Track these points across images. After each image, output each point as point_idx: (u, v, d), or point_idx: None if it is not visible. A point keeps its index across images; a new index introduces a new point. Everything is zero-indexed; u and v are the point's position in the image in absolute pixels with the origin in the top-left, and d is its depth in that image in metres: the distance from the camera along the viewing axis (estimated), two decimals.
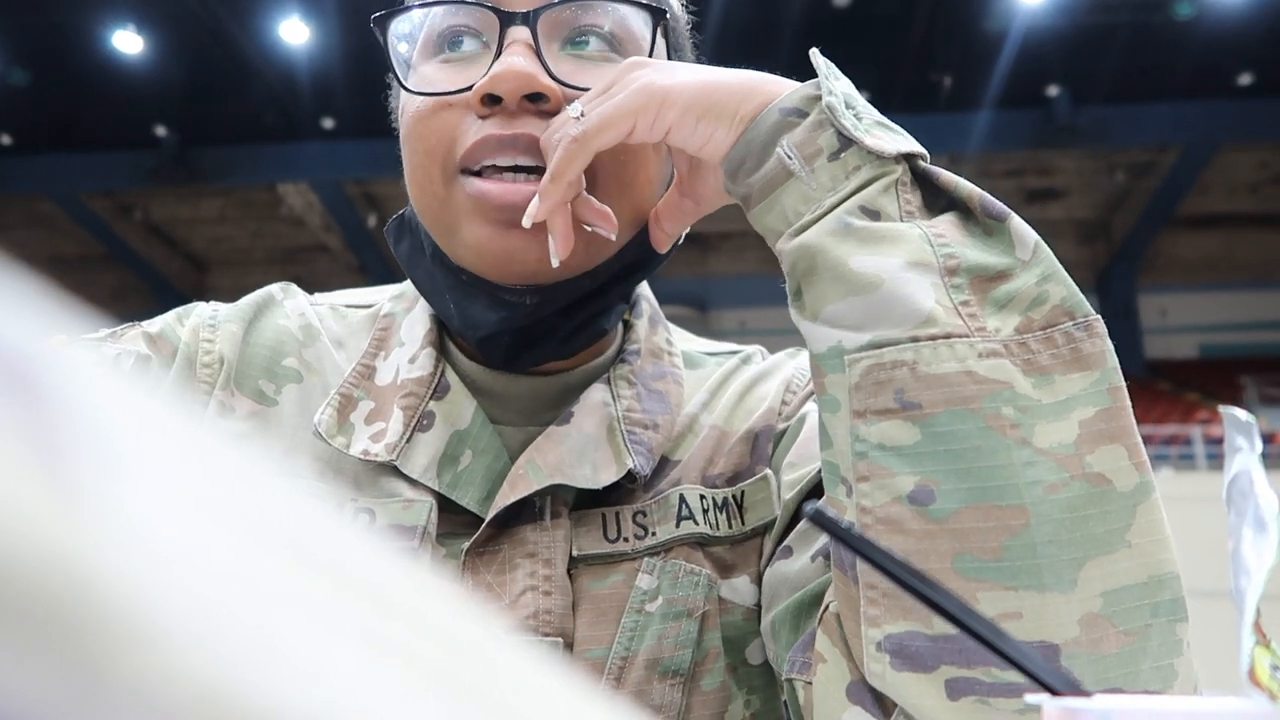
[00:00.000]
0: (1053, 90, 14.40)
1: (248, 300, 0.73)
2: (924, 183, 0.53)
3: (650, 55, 0.64)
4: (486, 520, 0.62)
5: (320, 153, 16.33)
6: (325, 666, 0.10)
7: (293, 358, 0.70)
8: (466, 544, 0.62)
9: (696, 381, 0.75)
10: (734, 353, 0.80)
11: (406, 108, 0.65)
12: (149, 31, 12.50)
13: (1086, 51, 13.60)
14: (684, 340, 0.80)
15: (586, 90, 0.61)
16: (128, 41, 12.57)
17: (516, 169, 0.61)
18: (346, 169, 15.06)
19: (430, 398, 0.67)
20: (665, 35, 0.68)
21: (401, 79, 0.65)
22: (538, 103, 0.60)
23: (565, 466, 0.63)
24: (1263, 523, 0.24)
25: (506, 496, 0.62)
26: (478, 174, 0.61)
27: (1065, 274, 0.49)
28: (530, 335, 0.66)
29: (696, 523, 0.66)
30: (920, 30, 12.92)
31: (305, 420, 0.66)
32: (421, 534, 0.62)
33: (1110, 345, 0.48)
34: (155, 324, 0.70)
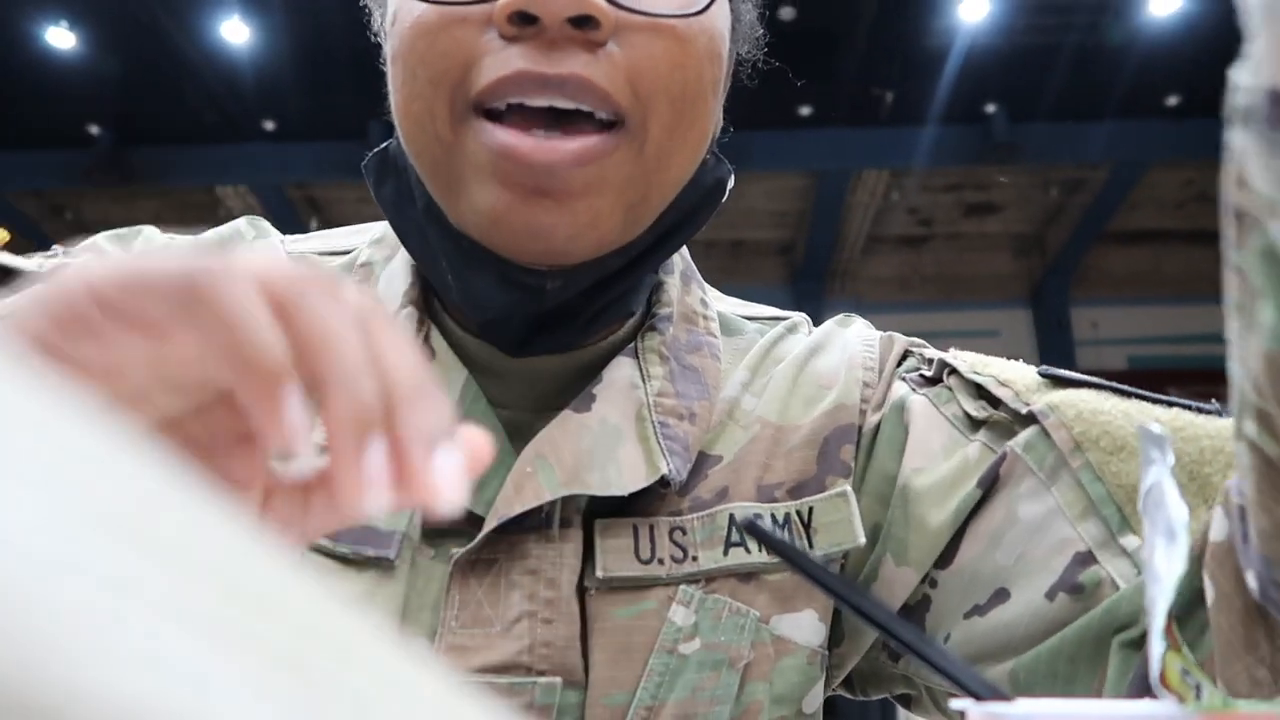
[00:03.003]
0: (990, 108, 14.76)
1: (211, 234, 0.62)
2: None
3: None
4: (484, 531, 0.51)
5: (262, 155, 16.01)
6: (157, 653, 0.09)
7: None
8: (457, 550, 0.51)
9: (734, 353, 0.64)
10: (778, 319, 0.68)
11: (402, 15, 0.51)
12: (83, 28, 12.14)
13: (1023, 71, 13.95)
14: (718, 299, 0.69)
15: (649, 16, 0.49)
16: (60, 38, 12.22)
17: (552, 112, 0.48)
18: (289, 172, 14.76)
19: None
20: None
21: None
22: (584, 28, 0.47)
23: (584, 470, 0.53)
24: (1173, 532, 0.25)
25: (510, 503, 0.51)
26: (497, 116, 0.49)
27: None
28: (545, 320, 0.55)
29: (748, 550, 0.55)
30: (862, 46, 13.13)
31: None
32: (400, 541, 0.51)
33: None
34: (102, 242, 0.60)
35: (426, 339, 0.57)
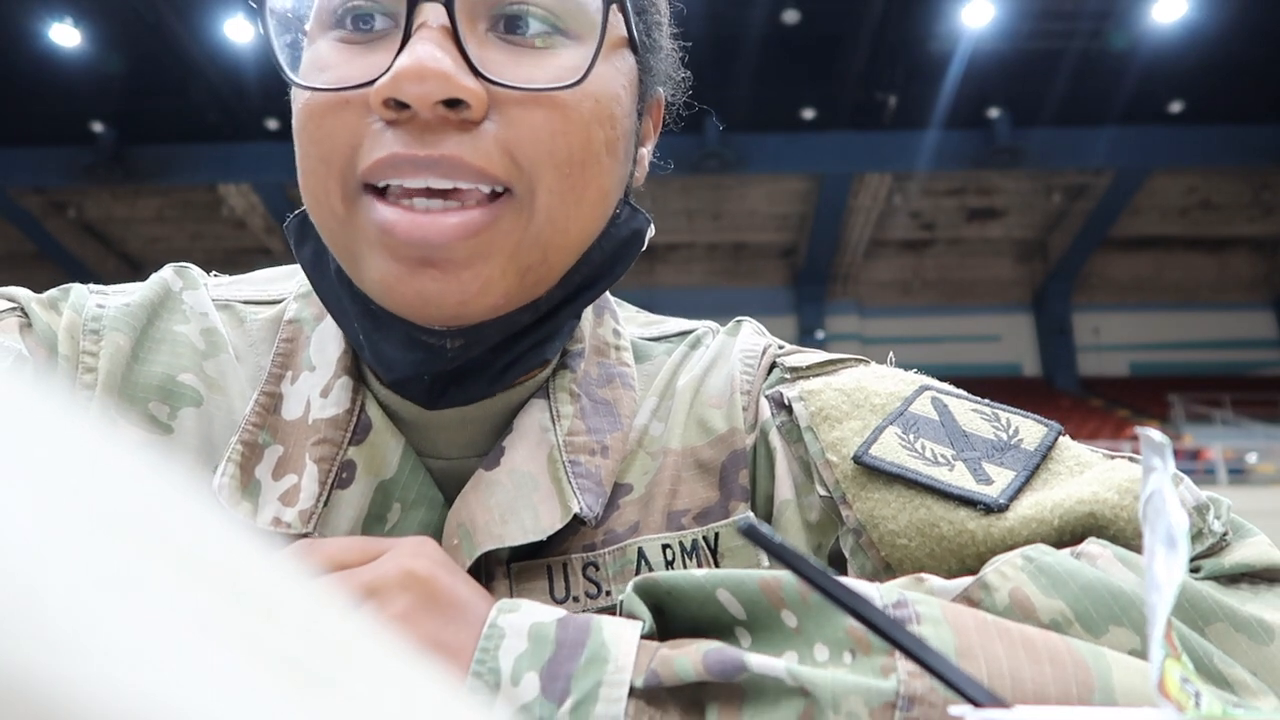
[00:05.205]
0: (993, 112, 14.80)
1: (140, 298, 0.61)
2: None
3: (602, 40, 0.52)
4: None
5: (264, 153, 16.04)
6: (152, 652, 0.09)
7: (191, 373, 0.58)
8: None
9: (645, 379, 0.65)
10: (683, 334, 0.70)
11: (297, 98, 0.53)
12: (87, 25, 12.16)
13: (1026, 76, 13.99)
14: (627, 321, 0.70)
15: (522, 91, 0.50)
16: (65, 35, 12.23)
17: (430, 192, 0.50)
18: (291, 171, 14.77)
19: (349, 443, 0.56)
20: (626, 14, 0.55)
21: (284, 65, 0.53)
22: (457, 109, 0.49)
23: (496, 525, 0.54)
24: (1173, 540, 0.25)
25: None
26: (382, 191, 0.51)
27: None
28: (455, 375, 0.56)
29: None
30: (866, 50, 13.16)
31: (206, 455, 0.56)
32: None
33: None
34: (33, 306, 0.58)
35: (363, 409, 0.58)
